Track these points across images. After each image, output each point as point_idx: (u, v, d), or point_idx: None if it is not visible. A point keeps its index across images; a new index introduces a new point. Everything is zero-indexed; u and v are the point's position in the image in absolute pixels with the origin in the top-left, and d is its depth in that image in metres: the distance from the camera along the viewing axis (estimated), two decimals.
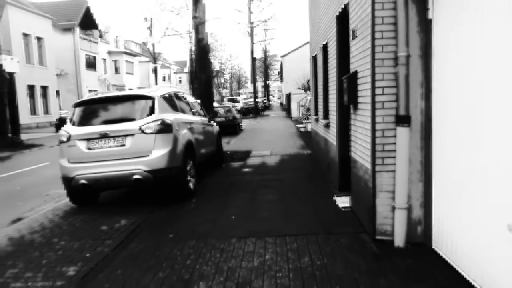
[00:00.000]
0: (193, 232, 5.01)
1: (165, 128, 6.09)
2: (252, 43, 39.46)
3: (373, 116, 4.18)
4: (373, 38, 4.09)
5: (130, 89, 40.84)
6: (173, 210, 6.07)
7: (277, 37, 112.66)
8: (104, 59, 44.00)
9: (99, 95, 6.55)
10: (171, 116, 6.45)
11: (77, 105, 6.42)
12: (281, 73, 54.26)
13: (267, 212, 5.72)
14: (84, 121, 6.19)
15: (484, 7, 2.95)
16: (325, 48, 7.97)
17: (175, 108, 6.97)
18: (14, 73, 20.49)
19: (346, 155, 6.22)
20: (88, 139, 5.98)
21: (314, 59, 10.12)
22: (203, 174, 8.51)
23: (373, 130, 4.20)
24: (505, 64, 2.70)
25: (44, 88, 31.60)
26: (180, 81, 75.69)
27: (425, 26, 3.93)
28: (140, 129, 5.92)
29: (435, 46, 3.82)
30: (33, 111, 30.06)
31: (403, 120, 4.01)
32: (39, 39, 31.01)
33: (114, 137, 5.93)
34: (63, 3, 37.57)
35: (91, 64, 39.84)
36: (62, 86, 35.59)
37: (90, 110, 6.33)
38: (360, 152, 4.87)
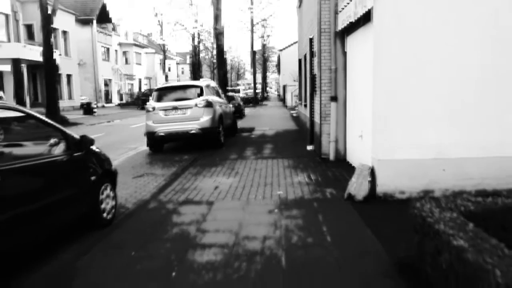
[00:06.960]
0: (228, 158, 9.47)
1: (208, 104, 10.50)
2: (252, 39, 43.64)
3: (320, 97, 8.61)
4: (320, 59, 8.50)
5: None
6: (213, 151, 10.52)
7: (276, 31, 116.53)
8: (116, 50, 48.16)
9: (168, 84, 10.98)
10: (211, 97, 10.87)
11: (156, 90, 10.86)
12: (278, 66, 58.50)
13: (267, 151, 10.23)
14: (161, 99, 10.61)
15: (361, 48, 7.35)
16: (304, 56, 12.38)
17: (212, 93, 11.40)
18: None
19: (313, 121, 10.66)
20: (165, 110, 10.39)
21: (300, 61, 14.54)
22: (225, 138, 12.94)
23: (320, 104, 8.64)
24: (364, 77, 7.12)
25: (69, 77, 35.84)
26: (182, 72, 79.60)
27: (344, 54, 8.34)
28: (195, 104, 10.33)
29: (348, 64, 8.24)
30: (60, 97, 34.21)
31: (334, 99, 8.43)
32: (64, 32, 35.16)
33: (180, 109, 10.34)
34: None
35: (105, 55, 44.04)
36: (81, 74, 39.76)
37: (164, 93, 10.75)
38: (316, 116, 9.33)
